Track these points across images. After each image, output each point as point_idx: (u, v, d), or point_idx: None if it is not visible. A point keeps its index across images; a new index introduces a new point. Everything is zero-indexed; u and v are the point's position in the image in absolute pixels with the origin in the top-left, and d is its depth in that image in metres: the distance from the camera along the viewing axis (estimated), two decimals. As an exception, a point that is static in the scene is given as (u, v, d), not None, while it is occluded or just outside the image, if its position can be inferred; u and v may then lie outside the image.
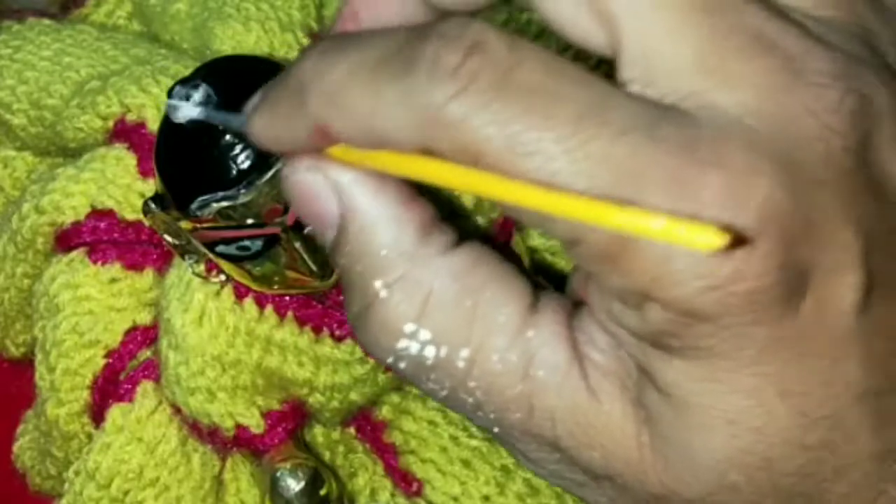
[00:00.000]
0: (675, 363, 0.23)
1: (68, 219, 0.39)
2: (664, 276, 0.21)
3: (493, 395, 0.24)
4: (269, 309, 0.36)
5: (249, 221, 0.33)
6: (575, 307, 0.25)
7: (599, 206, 0.21)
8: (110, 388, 0.38)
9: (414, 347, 0.24)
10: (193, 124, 0.31)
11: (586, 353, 0.24)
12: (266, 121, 0.25)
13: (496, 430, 0.25)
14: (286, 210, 0.33)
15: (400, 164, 0.23)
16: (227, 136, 0.32)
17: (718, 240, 0.20)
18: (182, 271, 0.36)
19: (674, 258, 0.21)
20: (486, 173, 0.22)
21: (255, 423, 0.36)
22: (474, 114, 0.21)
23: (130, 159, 0.39)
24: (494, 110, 0.21)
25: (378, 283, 0.24)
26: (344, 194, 0.25)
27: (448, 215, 0.26)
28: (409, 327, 0.24)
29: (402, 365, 0.25)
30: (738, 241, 0.21)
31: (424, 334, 0.24)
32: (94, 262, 0.39)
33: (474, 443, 0.39)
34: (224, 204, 0.32)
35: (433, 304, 0.24)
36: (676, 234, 0.20)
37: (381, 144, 0.23)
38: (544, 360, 0.24)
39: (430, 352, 0.24)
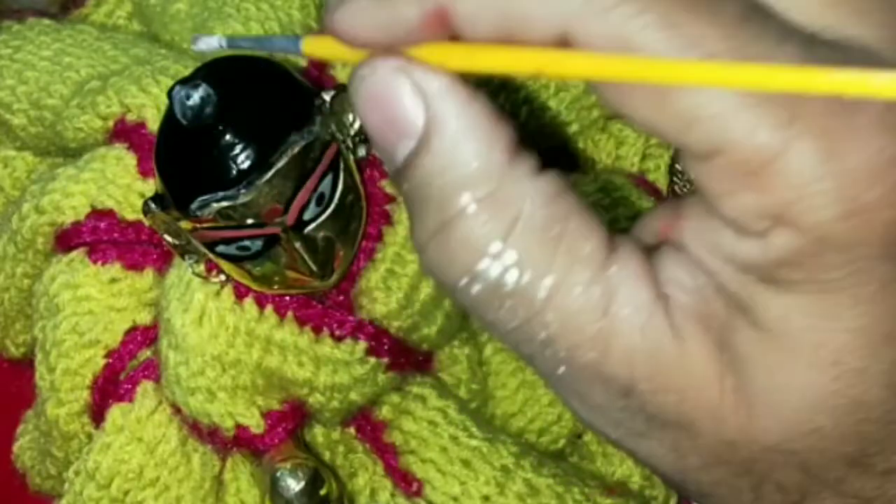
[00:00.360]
0: (785, 298, 0.22)
1: (68, 219, 0.39)
2: (808, 197, 0.21)
3: (570, 332, 0.23)
4: (269, 309, 0.36)
5: (249, 221, 0.33)
6: (650, 252, 0.24)
7: (803, 70, 0.20)
8: (110, 388, 0.38)
9: (495, 270, 0.23)
10: (197, 122, 0.31)
11: (669, 292, 0.23)
12: (369, 3, 0.23)
13: (562, 370, 0.24)
14: (286, 210, 0.33)
15: (518, 60, 0.22)
16: (227, 136, 0.32)
17: None
18: (182, 271, 0.36)
19: (823, 178, 0.21)
20: (638, 59, 0.20)
21: (255, 423, 0.36)
22: (632, 3, 0.21)
23: (130, 159, 0.39)
24: (656, 1, 0.21)
25: (466, 197, 0.23)
26: (433, 101, 0.23)
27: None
28: (495, 246, 0.23)
29: (474, 289, 0.23)
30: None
31: (510, 256, 0.23)
32: (94, 262, 0.39)
33: (474, 443, 0.39)
34: (224, 204, 0.32)
35: (522, 226, 0.23)
36: (876, 85, 0.19)
37: (512, 31, 0.22)
38: (627, 298, 0.23)
39: (511, 276, 0.23)
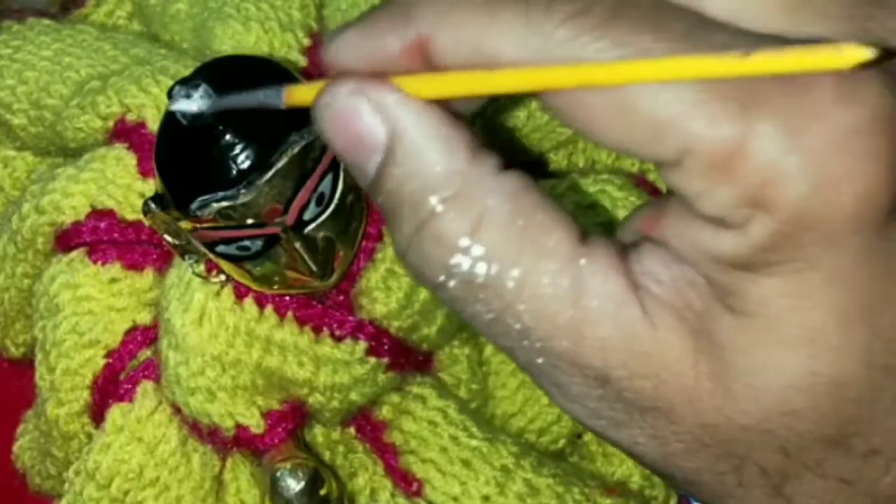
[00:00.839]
0: (762, 282, 0.23)
1: (68, 219, 0.39)
2: (776, 177, 0.22)
3: (542, 321, 0.24)
4: (269, 309, 0.36)
5: (249, 221, 0.33)
6: (627, 248, 0.25)
7: (730, 59, 0.21)
8: (110, 388, 0.38)
9: (466, 264, 0.24)
10: (196, 122, 0.31)
11: (643, 284, 0.24)
12: (356, 35, 0.25)
13: (540, 360, 0.25)
14: (286, 210, 0.33)
15: (487, 81, 0.24)
16: (228, 136, 0.32)
17: (863, 53, 0.20)
18: (182, 271, 0.36)
19: (787, 156, 0.22)
20: (600, 65, 0.22)
21: (255, 423, 0.36)
22: (588, 32, 0.22)
23: (130, 159, 0.39)
24: (608, 27, 0.22)
25: (434, 199, 0.24)
26: (391, 115, 0.25)
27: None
28: (463, 241, 0.24)
29: (451, 284, 0.25)
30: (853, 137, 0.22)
31: (477, 250, 0.24)
32: (94, 262, 0.39)
33: (474, 443, 0.39)
34: (224, 204, 0.32)
35: (487, 221, 0.24)
36: (818, 58, 0.21)
37: (484, 63, 0.23)
38: (597, 289, 0.24)
39: (481, 268, 0.24)
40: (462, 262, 0.24)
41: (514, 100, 0.43)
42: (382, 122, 0.25)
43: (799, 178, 0.22)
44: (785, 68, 0.21)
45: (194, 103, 0.31)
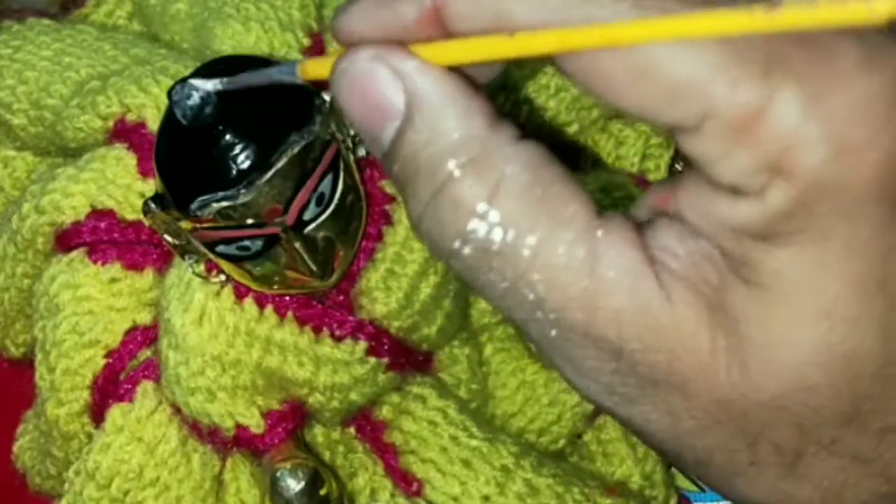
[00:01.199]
0: (780, 253, 0.23)
1: (68, 219, 0.39)
2: (797, 143, 0.22)
3: (556, 291, 0.24)
4: (269, 309, 0.36)
5: (249, 221, 0.33)
6: (641, 225, 0.25)
7: (756, 15, 0.20)
8: (110, 388, 0.38)
9: (482, 229, 0.24)
10: (197, 122, 0.31)
11: (659, 258, 0.24)
12: (371, 4, 0.25)
13: (553, 333, 0.25)
14: (286, 210, 0.33)
15: (505, 46, 0.23)
16: (228, 136, 0.32)
17: (893, 7, 0.19)
18: (182, 271, 0.36)
19: (808, 123, 0.21)
20: (619, 25, 0.22)
21: (255, 423, 0.36)
22: None
23: (130, 159, 0.39)
24: None
25: (451, 164, 0.24)
26: (410, 81, 0.25)
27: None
28: (481, 206, 0.24)
29: (466, 250, 0.25)
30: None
31: (494, 216, 0.24)
32: (94, 262, 0.39)
33: (474, 443, 0.39)
34: (224, 204, 0.32)
35: (504, 188, 0.24)
36: (846, 13, 0.20)
37: (500, 29, 0.23)
38: (613, 261, 0.24)
39: (497, 234, 0.24)
40: (478, 227, 0.24)
41: (515, 89, 0.43)
42: (401, 88, 0.25)
43: (819, 144, 0.22)
44: (812, 23, 0.20)
45: (209, 83, 0.30)
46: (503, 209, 0.24)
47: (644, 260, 0.24)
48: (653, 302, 0.24)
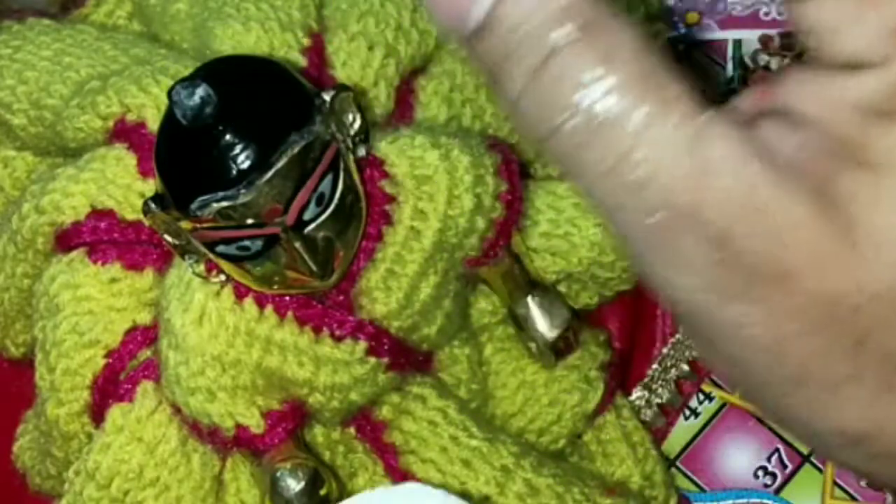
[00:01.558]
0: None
1: (68, 219, 0.39)
2: None
3: (662, 170, 0.23)
4: (269, 309, 0.36)
5: (249, 221, 0.33)
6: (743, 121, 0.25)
7: None
8: (110, 388, 0.38)
9: (588, 100, 0.23)
10: (197, 122, 0.31)
11: (767, 144, 0.24)
12: None
13: (654, 219, 0.24)
14: (286, 210, 0.33)
15: None
16: (228, 136, 0.32)
17: None
18: (182, 271, 0.36)
19: None
20: None
21: (255, 423, 0.36)
22: None
23: (130, 159, 0.39)
24: None
25: (558, 33, 0.23)
26: None
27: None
28: (591, 74, 0.23)
29: (570, 125, 0.23)
30: None
31: (601, 86, 0.23)
32: (94, 262, 0.39)
33: (474, 443, 0.39)
34: (224, 204, 0.32)
35: (615, 56, 0.23)
36: None
37: None
38: (719, 143, 0.23)
39: (603, 105, 0.23)
40: (585, 98, 0.23)
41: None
42: None
43: None
44: None
45: None
46: (613, 79, 0.23)
47: (750, 145, 0.23)
48: (759, 185, 0.23)
